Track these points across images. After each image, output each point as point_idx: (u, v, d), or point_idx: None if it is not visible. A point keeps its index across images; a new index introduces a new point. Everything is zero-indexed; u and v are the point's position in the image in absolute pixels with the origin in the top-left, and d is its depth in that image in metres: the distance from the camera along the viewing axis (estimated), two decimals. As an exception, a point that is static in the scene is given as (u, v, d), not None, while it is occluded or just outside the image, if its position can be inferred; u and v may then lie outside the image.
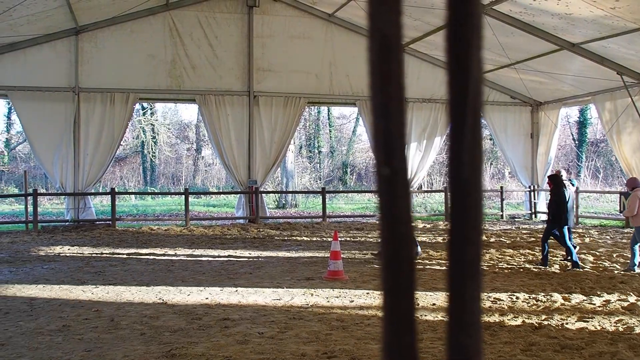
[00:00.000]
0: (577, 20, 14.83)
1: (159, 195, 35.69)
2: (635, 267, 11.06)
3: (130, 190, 38.10)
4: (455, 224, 0.79)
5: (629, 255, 11.59)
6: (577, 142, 38.14)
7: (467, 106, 0.80)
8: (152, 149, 41.52)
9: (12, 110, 36.26)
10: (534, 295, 9.26)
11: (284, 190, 31.45)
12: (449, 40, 0.83)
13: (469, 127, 0.79)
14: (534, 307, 8.58)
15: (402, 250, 0.77)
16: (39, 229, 18.61)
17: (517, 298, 9.10)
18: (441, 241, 16.08)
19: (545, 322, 7.63)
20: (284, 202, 31.73)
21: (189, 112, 49.19)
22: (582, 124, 37.40)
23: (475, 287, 0.78)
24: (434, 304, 8.60)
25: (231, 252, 14.26)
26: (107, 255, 13.71)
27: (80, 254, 14.05)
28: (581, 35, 15.82)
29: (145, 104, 38.78)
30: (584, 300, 8.96)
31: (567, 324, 7.60)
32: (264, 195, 21.25)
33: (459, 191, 0.81)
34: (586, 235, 17.12)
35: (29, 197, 19.22)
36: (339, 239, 11.39)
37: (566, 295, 9.27)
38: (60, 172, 19.23)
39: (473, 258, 0.78)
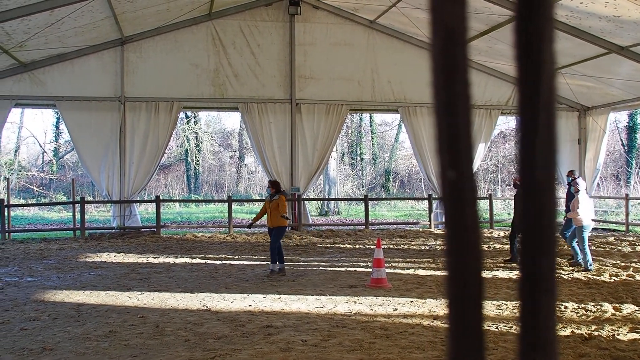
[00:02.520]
0: (626, 22, 14.42)
1: (203, 203, 35.88)
2: (590, 265, 11.21)
3: (175, 198, 38.38)
4: (527, 232, 0.72)
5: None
6: (626, 147, 37.03)
7: (540, 102, 0.73)
8: (195, 157, 41.99)
9: (60, 120, 37.18)
10: (583, 305, 8.98)
11: (327, 197, 31.30)
12: (518, 33, 0.76)
13: (541, 125, 0.72)
14: (583, 317, 8.32)
15: (470, 260, 0.70)
16: (86, 236, 18.82)
17: (566, 308, 8.83)
18: (486, 249, 15.75)
19: (596, 333, 7.36)
20: (326, 209, 31.60)
21: (231, 120, 49.55)
22: (631, 129, 36.31)
23: (551, 302, 0.70)
24: (493, 313, 8.22)
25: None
26: (152, 262, 13.81)
27: (126, 260, 14.18)
28: (630, 38, 15.39)
29: (189, 113, 39.14)
30: (636, 310, 8.64)
31: (618, 335, 7.33)
32: (306, 202, 21.15)
33: (531, 196, 0.74)
34: (637, 244, 16.65)
35: (76, 205, 19.47)
36: (382, 246, 11.24)
37: (617, 305, 8.95)
38: (106, 180, 19.46)
39: (547, 270, 0.71)
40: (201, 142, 42.14)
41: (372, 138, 43.74)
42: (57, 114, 37.93)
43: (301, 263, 13.52)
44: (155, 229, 19.64)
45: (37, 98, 19.31)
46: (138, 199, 20.58)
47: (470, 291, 0.72)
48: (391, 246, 16.57)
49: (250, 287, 10.62)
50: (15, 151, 40.57)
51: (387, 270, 11.24)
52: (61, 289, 10.50)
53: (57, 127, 41.11)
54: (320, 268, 12.81)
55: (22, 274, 12.39)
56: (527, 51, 0.73)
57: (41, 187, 39.04)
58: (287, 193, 12.46)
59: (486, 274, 11.58)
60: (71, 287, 10.65)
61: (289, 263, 13.13)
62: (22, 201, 34.25)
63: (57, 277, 11.85)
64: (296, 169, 20.61)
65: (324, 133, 20.89)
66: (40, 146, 42.55)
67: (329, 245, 16.88)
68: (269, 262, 12.06)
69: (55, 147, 42.00)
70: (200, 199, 37.03)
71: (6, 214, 18.39)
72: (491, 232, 19.35)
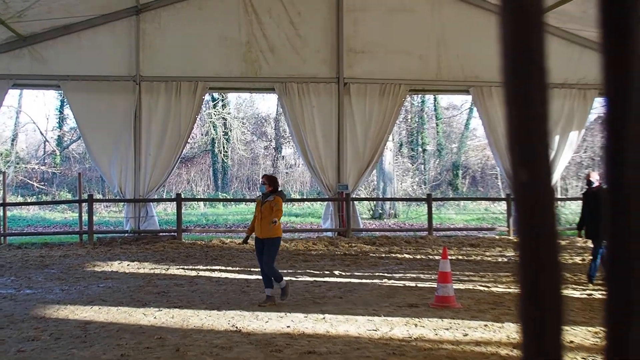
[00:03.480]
0: None
1: (232, 203, 36.07)
2: None
3: (199, 197, 38.63)
4: (615, 241, 0.74)
5: None
6: None
7: (630, 88, 0.74)
8: (224, 147, 41.85)
9: (65, 103, 37.69)
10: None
11: (381, 197, 31.23)
12: (603, 6, 0.77)
13: (633, 115, 0.74)
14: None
15: (546, 275, 0.73)
16: (95, 240, 19.06)
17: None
18: (580, 262, 15.73)
19: None
20: (380, 211, 31.42)
21: (267, 103, 49.72)
22: None
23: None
24: (571, 342, 8.19)
25: (317, 271, 14.27)
26: (172, 273, 14.01)
27: (141, 270, 14.42)
28: None
29: (216, 95, 39.16)
30: None
31: None
32: (356, 203, 21.14)
33: (618, 198, 0.75)
34: None
35: (83, 204, 19.95)
36: (449, 257, 11.15)
37: None
38: (118, 174, 19.70)
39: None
40: (230, 130, 42.03)
41: (437, 125, 43.30)
42: (62, 96, 38.71)
43: (350, 276, 13.55)
44: (175, 234, 19.81)
45: (38, 77, 19.78)
46: (156, 197, 20.86)
47: (547, 313, 0.75)
48: (460, 257, 16.56)
49: (288, 304, 10.60)
50: (13, 140, 41.32)
51: (455, 287, 11.16)
52: (65, 304, 10.65)
53: (62, 112, 41.81)
54: (374, 282, 12.81)
55: (19, 285, 12.64)
56: (615, 27, 0.75)
57: (42, 183, 39.54)
58: (285, 194, 11.96)
59: (579, 293, 11.38)
60: (77, 302, 10.80)
61: (336, 276, 13.25)
62: (20, 199, 34.84)
63: (61, 290, 12.07)
64: (344, 162, 20.54)
65: (377, 119, 20.79)
66: (42, 134, 43.03)
67: (383, 255, 16.93)
68: (311, 275, 12.06)
69: (58, 136, 42.67)
70: (229, 197, 37.19)
71: (1, 213, 18.74)
72: (586, 242, 18.96)
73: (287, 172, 44.53)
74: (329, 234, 20.62)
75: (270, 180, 10.86)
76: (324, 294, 11.58)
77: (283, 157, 45.70)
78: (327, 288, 12.12)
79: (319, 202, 30.05)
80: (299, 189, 41.57)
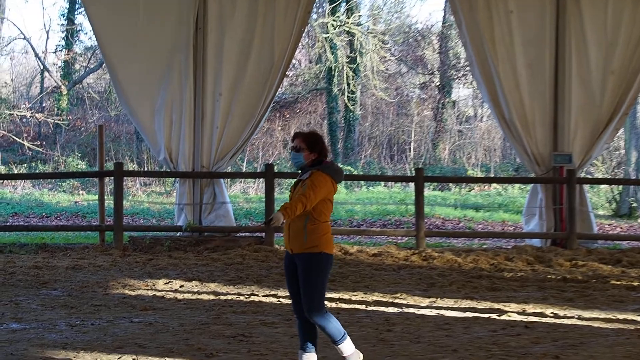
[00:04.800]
0: None
1: (362, 183, 29.19)
2: None
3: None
4: None
5: None
6: None
7: None
8: (348, 85, 33.35)
9: (78, 7, 30.33)
10: None
11: (634, 178, 25.33)
12: None
13: None
14: None
15: None
16: (125, 242, 15.96)
17: None
18: None
19: None
20: (632, 203, 25.03)
21: (426, 8, 38.12)
22: None
23: None
24: None
25: (513, 306, 10.92)
26: (257, 300, 11.46)
27: (203, 296, 11.67)
28: None
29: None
30: None
31: None
32: (586, 188, 17.49)
33: None
34: None
35: (106, 180, 17.14)
36: None
37: None
38: (167, 131, 15.86)
39: None
40: (361, 55, 33.16)
41: None
42: None
43: (573, 317, 10.38)
44: (263, 234, 16.26)
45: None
46: (229, 170, 17.92)
47: None
48: None
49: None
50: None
51: None
52: (75, 349, 8.33)
53: (70, 20, 33.56)
54: (617, 331, 9.57)
55: (0, 314, 10.22)
56: None
57: (38, 142, 30.66)
58: (337, 168, 7.48)
59: None
60: (95, 347, 8.41)
61: (544, 317, 10.23)
62: (2, 168, 28.51)
63: (68, 326, 9.48)
64: (565, 115, 16.08)
65: (629, 38, 15.99)
66: (38, 59, 34.34)
67: (635, 283, 13.06)
68: (502, 313, 9.84)
69: (65, 62, 33.98)
70: (355, 173, 29.58)
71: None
72: None
73: (459, 132, 35.51)
74: (536, 241, 16.63)
75: (309, 141, 7.09)
76: (527, 349, 8.59)
77: (454, 103, 36.17)
78: (531, 339, 9.08)
79: (517, 185, 25.03)
80: (480, 162, 33.21)
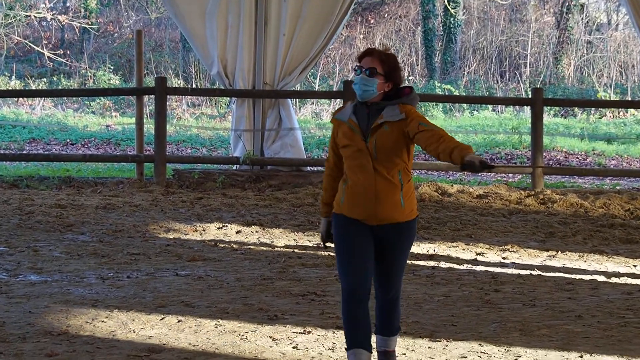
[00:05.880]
0: None
1: (465, 106, 25.75)
2: None
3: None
4: None
5: None
6: None
7: None
8: None
9: None
10: None
11: None
12: None
13: None
14: None
15: None
16: (169, 176, 14.59)
17: None
18: None
19: None
20: None
21: None
22: None
23: None
24: None
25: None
26: (332, 251, 12.07)
27: (265, 245, 10.50)
28: None
29: None
30: None
31: None
32: None
33: None
34: None
35: (145, 98, 15.50)
36: None
37: None
38: (220, 39, 14.10)
39: None
40: None
41: None
42: None
43: None
44: None
45: None
46: (298, 89, 16.63)
47: None
48: None
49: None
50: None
51: None
52: (108, 308, 7.47)
53: None
54: None
55: (16, 264, 9.19)
56: None
57: (61, 52, 27.76)
58: (418, 99, 5.42)
59: None
60: (132, 306, 7.56)
61: None
62: (15, 84, 25.38)
63: (99, 278, 8.68)
64: None
65: None
66: None
67: None
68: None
69: None
70: (457, 94, 26.33)
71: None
72: None
73: (588, 43, 29.65)
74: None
75: (389, 65, 5.01)
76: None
77: (582, 7, 30.27)
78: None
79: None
80: (614, 81, 28.58)
